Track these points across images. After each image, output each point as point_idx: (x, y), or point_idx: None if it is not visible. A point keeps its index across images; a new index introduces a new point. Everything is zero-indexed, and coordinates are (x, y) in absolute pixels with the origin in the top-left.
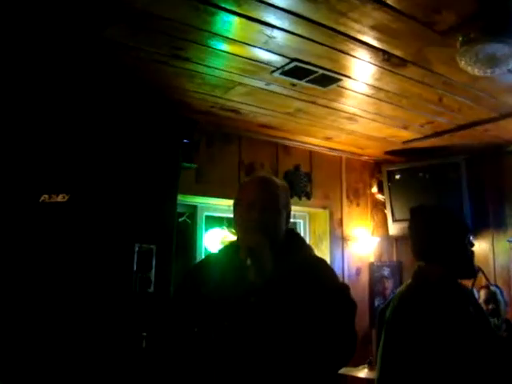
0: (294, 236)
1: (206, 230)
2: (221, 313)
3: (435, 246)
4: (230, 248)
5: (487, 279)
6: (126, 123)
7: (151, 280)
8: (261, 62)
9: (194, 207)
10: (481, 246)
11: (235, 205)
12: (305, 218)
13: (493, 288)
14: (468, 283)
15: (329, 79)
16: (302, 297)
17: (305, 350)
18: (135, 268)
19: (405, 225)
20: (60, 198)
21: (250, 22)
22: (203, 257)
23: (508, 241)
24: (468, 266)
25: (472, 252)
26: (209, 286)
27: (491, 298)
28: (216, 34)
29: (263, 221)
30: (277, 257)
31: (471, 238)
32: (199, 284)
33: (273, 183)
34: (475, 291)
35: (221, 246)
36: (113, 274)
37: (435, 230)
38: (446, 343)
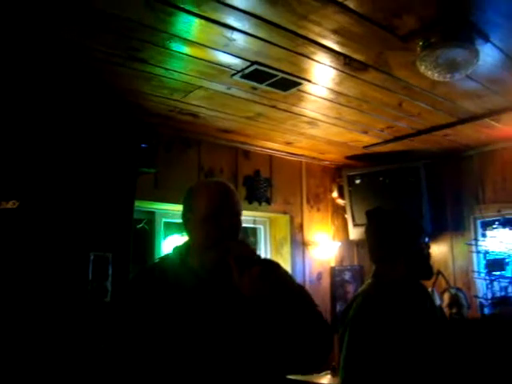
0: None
1: (165, 236)
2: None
3: (390, 248)
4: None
5: (447, 282)
6: (80, 127)
7: (108, 289)
8: (221, 65)
9: (153, 213)
10: (440, 250)
11: (188, 213)
12: (265, 224)
13: (454, 291)
14: (428, 286)
15: (289, 83)
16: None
17: (277, 352)
18: (90, 277)
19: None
20: (10, 205)
21: (209, 24)
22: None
23: (467, 244)
24: (424, 266)
25: (428, 253)
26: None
27: (455, 302)
28: (174, 36)
29: (234, 227)
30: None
31: (427, 239)
32: (150, 297)
33: (231, 189)
34: (436, 294)
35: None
36: (66, 284)
37: (390, 232)
38: (410, 341)
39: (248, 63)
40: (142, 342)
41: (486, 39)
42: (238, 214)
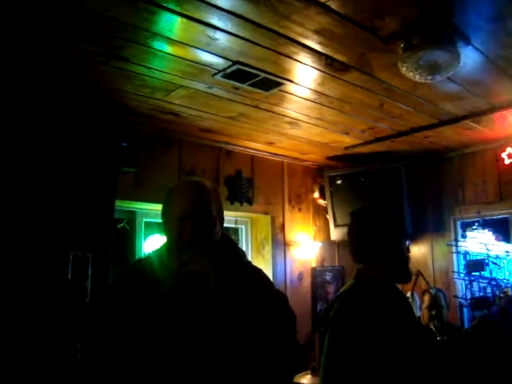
0: (227, 241)
1: (146, 236)
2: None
3: (372, 249)
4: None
5: (427, 283)
6: (61, 124)
7: (87, 289)
8: (203, 65)
9: (133, 213)
10: (420, 250)
11: (165, 213)
12: (247, 224)
13: (434, 292)
14: (408, 286)
15: (271, 83)
16: (242, 306)
17: (244, 363)
18: (70, 277)
19: (347, 230)
20: None
21: (192, 23)
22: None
23: (447, 244)
24: (403, 270)
25: (408, 257)
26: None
27: (434, 303)
28: (157, 34)
29: (199, 233)
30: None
31: (408, 242)
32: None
33: (205, 189)
34: (416, 295)
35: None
36: (45, 284)
37: (372, 233)
38: (390, 342)
39: (230, 63)
40: (122, 342)
41: (468, 42)
42: (206, 220)
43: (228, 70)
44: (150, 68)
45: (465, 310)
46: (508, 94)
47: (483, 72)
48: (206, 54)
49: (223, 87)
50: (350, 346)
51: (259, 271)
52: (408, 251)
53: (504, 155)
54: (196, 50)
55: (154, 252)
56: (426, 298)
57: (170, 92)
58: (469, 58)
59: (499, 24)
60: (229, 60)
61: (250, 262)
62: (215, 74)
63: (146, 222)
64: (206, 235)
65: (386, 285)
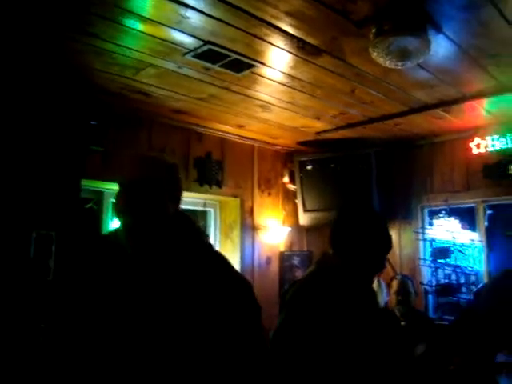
0: (184, 220)
1: (113, 217)
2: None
3: (356, 250)
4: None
5: (394, 269)
6: (26, 100)
7: (50, 268)
8: (173, 43)
9: (101, 193)
10: None
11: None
12: (215, 207)
13: (402, 278)
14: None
15: (243, 64)
16: (197, 293)
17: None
18: (32, 255)
19: (315, 215)
20: None
21: (163, 0)
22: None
23: (414, 232)
24: (369, 278)
25: (381, 271)
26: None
27: (402, 288)
28: (128, 11)
29: (141, 202)
30: (161, 242)
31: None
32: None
33: (155, 161)
34: (382, 282)
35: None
36: (6, 262)
37: (364, 238)
38: (339, 329)
39: (201, 42)
40: (82, 319)
41: (439, 30)
42: (155, 185)
43: (199, 50)
44: (120, 45)
45: (430, 296)
46: (479, 83)
47: (454, 61)
48: (177, 32)
49: (194, 67)
50: (298, 331)
51: (220, 254)
52: (384, 266)
53: (472, 145)
54: (167, 29)
55: (112, 231)
56: (395, 283)
57: (139, 71)
58: (440, 46)
59: (471, 13)
60: (200, 40)
61: (211, 245)
62: (186, 53)
63: (113, 202)
64: (146, 205)
65: (345, 274)
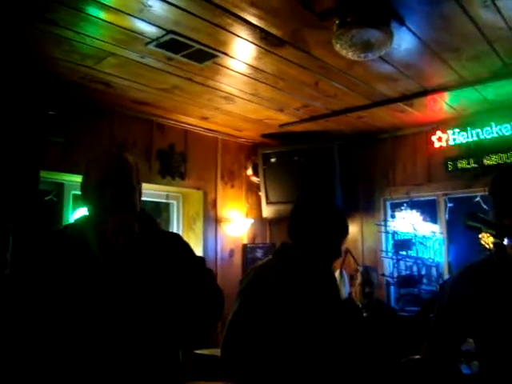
0: (145, 215)
1: (74, 209)
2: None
3: (316, 238)
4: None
5: (355, 261)
6: None
7: (7, 260)
8: (135, 32)
9: (61, 185)
10: (351, 229)
11: (85, 182)
12: (178, 199)
13: (362, 269)
14: (337, 264)
15: (205, 55)
16: (166, 265)
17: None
18: None
19: (279, 207)
20: None
21: None
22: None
23: (376, 224)
24: (326, 266)
25: (340, 254)
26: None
27: (366, 280)
28: None
29: (120, 199)
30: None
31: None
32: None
33: (124, 158)
34: (344, 273)
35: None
36: None
37: (319, 223)
38: (292, 313)
39: (163, 32)
40: (44, 309)
41: (401, 23)
42: (131, 181)
43: (161, 40)
44: (81, 33)
45: (392, 287)
46: (440, 77)
47: (417, 54)
48: (139, 21)
49: (156, 57)
50: (255, 315)
51: (179, 236)
52: (340, 254)
53: (434, 138)
54: (129, 17)
55: (78, 220)
56: (360, 275)
57: (100, 60)
58: (403, 39)
59: (433, 7)
60: (162, 29)
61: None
62: (148, 42)
63: (74, 194)
64: (127, 201)
65: (301, 260)
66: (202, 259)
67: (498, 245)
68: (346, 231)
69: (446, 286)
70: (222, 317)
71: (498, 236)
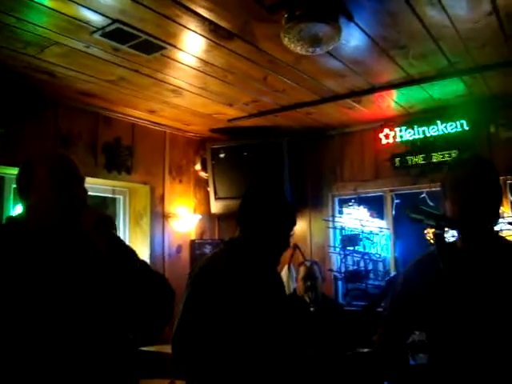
0: None
1: (16, 203)
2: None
3: (263, 223)
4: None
5: (303, 256)
6: None
7: None
8: (80, 21)
9: (1, 178)
10: (299, 225)
11: (30, 183)
12: (125, 194)
13: (309, 264)
14: (286, 259)
15: (153, 46)
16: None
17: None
18: None
19: (227, 203)
20: None
21: None
22: None
23: (324, 220)
24: (275, 256)
25: (286, 247)
26: None
27: (309, 274)
28: None
29: (75, 197)
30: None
31: (292, 232)
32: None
33: (71, 159)
34: (292, 268)
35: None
36: None
37: (263, 209)
38: (236, 306)
39: (109, 21)
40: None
41: (350, 18)
42: (80, 184)
43: (107, 29)
44: (22, 20)
45: (339, 282)
46: (388, 74)
47: (365, 51)
48: (83, 9)
49: (102, 47)
50: (205, 303)
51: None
52: (289, 243)
53: (381, 135)
54: (73, 4)
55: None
56: (302, 269)
57: (44, 48)
58: (351, 35)
59: (381, 4)
60: (108, 18)
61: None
62: (93, 32)
63: (15, 188)
64: (80, 197)
65: (248, 250)
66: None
67: (437, 235)
68: (293, 221)
69: (398, 280)
70: (171, 316)
71: (438, 227)
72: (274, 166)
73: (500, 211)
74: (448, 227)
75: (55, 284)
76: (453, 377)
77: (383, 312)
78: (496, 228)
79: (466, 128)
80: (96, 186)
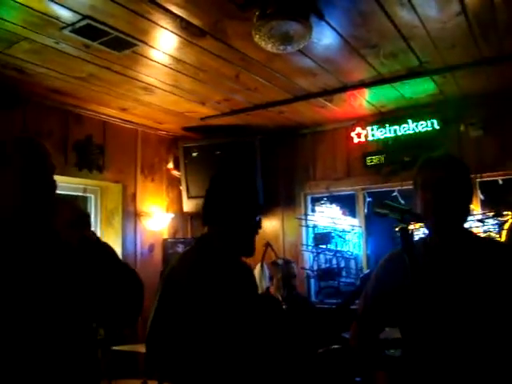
0: None
1: None
2: None
3: (218, 214)
4: None
5: (275, 254)
6: None
7: None
8: (49, 16)
9: None
10: (272, 223)
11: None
12: (96, 193)
13: (282, 262)
14: (258, 258)
15: (124, 43)
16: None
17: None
18: None
19: (200, 201)
20: None
21: None
22: None
23: (297, 218)
24: (246, 243)
25: (254, 232)
26: None
27: (283, 272)
28: None
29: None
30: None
31: (258, 218)
32: None
33: (43, 145)
34: (265, 266)
35: None
36: None
37: (222, 198)
38: (208, 305)
39: (79, 17)
40: None
41: (321, 17)
42: (49, 174)
43: (77, 25)
44: None
45: (312, 280)
46: (359, 73)
47: (336, 50)
48: (53, 4)
49: (72, 44)
50: (178, 303)
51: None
52: (259, 227)
53: (353, 134)
54: None
55: None
56: (275, 267)
57: (12, 44)
58: (322, 34)
59: (352, 3)
60: (78, 14)
61: None
62: (63, 27)
63: None
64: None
65: (218, 253)
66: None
67: (402, 229)
68: (256, 203)
69: (371, 276)
70: (141, 310)
71: (403, 220)
72: (246, 164)
73: (470, 209)
74: (413, 221)
75: (17, 275)
76: (426, 371)
77: (357, 309)
78: (466, 225)
79: (437, 127)
80: (66, 184)
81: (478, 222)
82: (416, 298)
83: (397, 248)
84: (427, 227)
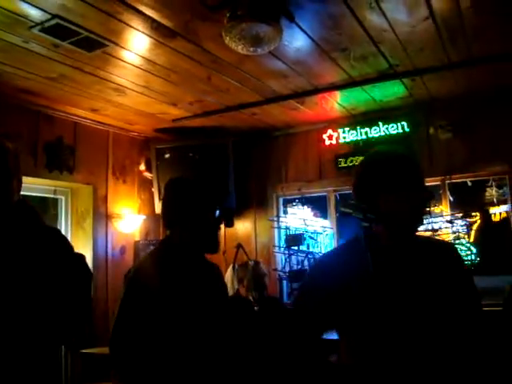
0: (25, 206)
1: None
2: None
3: (177, 214)
4: None
5: (247, 255)
6: None
7: None
8: (17, 15)
9: None
10: (244, 225)
11: None
12: (66, 195)
13: (253, 264)
14: (230, 259)
15: (94, 43)
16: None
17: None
18: None
19: None
20: None
21: None
22: None
23: (269, 220)
24: (208, 239)
25: (215, 227)
26: None
27: (253, 273)
28: None
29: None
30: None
31: (217, 213)
32: None
33: (2, 146)
34: (236, 267)
35: None
36: None
37: (176, 200)
38: (172, 307)
39: (49, 16)
40: None
41: (291, 19)
42: (8, 166)
43: (46, 24)
44: None
45: (284, 282)
46: (330, 76)
47: (307, 52)
48: (21, 2)
49: (42, 43)
50: (140, 302)
51: (57, 231)
52: (218, 222)
53: (325, 136)
54: None
55: None
56: (244, 269)
57: None
58: (293, 36)
59: (322, 5)
60: (47, 13)
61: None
62: (32, 26)
63: None
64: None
65: (185, 252)
66: (80, 255)
67: (364, 228)
68: (212, 200)
69: (310, 276)
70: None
71: (365, 220)
72: (219, 166)
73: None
74: (375, 220)
75: None
76: (376, 376)
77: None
78: (435, 226)
79: (407, 129)
80: (36, 186)
81: (448, 223)
82: (369, 300)
83: (333, 248)
84: (386, 228)
